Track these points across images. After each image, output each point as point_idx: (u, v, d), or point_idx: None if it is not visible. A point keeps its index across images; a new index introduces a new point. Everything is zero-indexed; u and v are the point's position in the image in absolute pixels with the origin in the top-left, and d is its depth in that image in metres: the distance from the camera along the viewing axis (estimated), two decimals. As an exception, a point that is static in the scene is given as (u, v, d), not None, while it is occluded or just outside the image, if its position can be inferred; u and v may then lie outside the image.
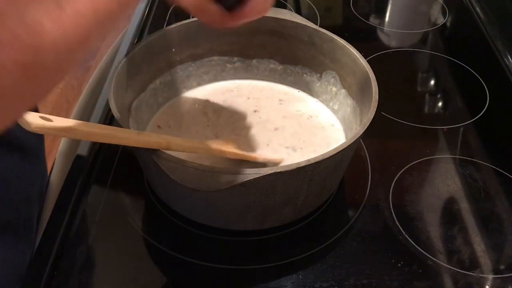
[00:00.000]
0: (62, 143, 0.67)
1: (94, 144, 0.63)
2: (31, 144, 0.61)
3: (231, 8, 0.44)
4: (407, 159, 0.63)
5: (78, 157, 0.62)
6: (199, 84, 0.68)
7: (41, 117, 0.38)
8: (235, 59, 0.68)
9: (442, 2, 0.96)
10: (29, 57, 0.23)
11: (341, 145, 0.49)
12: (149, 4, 0.88)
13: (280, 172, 0.47)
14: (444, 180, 0.61)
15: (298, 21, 0.64)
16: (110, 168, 0.61)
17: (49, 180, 0.65)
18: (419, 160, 0.63)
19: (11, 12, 0.21)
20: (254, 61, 0.68)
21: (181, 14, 0.74)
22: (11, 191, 0.56)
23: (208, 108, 0.65)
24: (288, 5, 0.91)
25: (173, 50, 0.64)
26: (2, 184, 0.55)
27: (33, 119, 0.37)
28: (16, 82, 0.23)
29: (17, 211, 0.57)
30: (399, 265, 0.52)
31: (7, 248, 0.53)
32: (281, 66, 0.68)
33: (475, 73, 0.78)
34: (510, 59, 0.79)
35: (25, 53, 0.22)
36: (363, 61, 0.58)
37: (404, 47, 0.86)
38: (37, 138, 0.63)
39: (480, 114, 0.71)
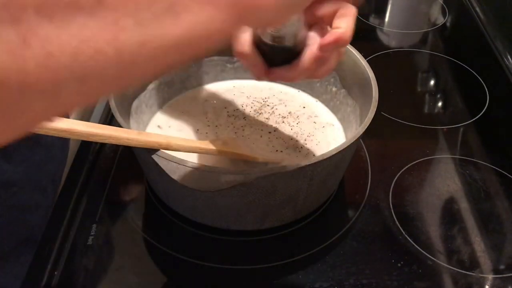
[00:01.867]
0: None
1: (94, 144, 0.63)
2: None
3: (272, 65, 0.43)
4: (407, 159, 0.63)
5: (78, 157, 0.62)
6: (199, 84, 0.68)
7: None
8: (235, 59, 0.68)
9: (442, 2, 0.96)
10: (22, 77, 0.21)
11: (341, 145, 0.49)
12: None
13: (280, 172, 0.47)
14: (444, 180, 0.61)
15: (298, 21, 0.63)
16: (110, 168, 0.61)
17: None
18: (419, 160, 0.63)
19: None
20: (254, 61, 0.68)
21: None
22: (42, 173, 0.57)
23: (208, 108, 0.65)
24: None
25: (173, 50, 0.64)
26: (34, 168, 0.56)
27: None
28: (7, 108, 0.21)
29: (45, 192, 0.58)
30: (399, 265, 0.52)
31: None
32: (281, 66, 0.68)
33: (475, 73, 0.78)
34: (510, 59, 0.79)
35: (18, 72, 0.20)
36: (363, 61, 0.58)
37: (404, 47, 0.86)
38: None
39: (480, 114, 0.71)
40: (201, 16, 0.25)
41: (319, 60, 0.41)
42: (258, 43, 0.42)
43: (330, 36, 0.39)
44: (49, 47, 0.21)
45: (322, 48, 0.40)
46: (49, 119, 0.24)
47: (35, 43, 0.20)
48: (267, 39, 0.41)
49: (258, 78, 0.44)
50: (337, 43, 0.39)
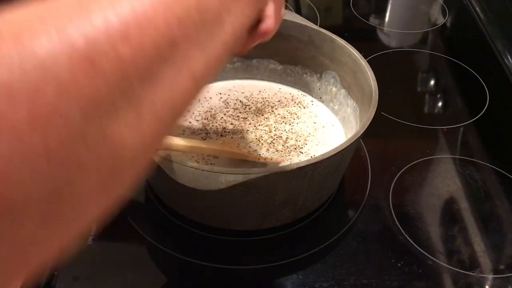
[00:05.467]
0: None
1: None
2: None
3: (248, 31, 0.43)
4: (407, 159, 0.63)
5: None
6: (199, 84, 0.68)
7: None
8: (235, 59, 0.68)
9: (442, 2, 0.96)
10: (109, 168, 0.21)
11: (341, 145, 0.49)
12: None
13: (280, 172, 0.47)
14: (444, 180, 0.61)
15: (298, 21, 0.64)
16: (110, 168, 0.61)
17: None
18: (419, 160, 0.63)
19: (92, 130, 0.19)
20: (254, 61, 0.68)
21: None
22: None
23: (208, 108, 0.65)
24: (288, 5, 0.91)
25: (173, 50, 0.64)
26: None
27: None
28: (96, 194, 0.21)
29: None
30: (399, 265, 0.52)
31: None
32: (281, 66, 0.68)
33: (475, 73, 0.78)
34: (510, 59, 0.79)
35: (105, 166, 0.21)
36: (363, 61, 0.58)
37: (404, 47, 0.86)
38: None
39: (480, 114, 0.71)
40: (238, 14, 0.26)
41: (279, 8, 0.41)
42: None
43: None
44: (157, 112, 0.22)
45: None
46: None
47: (145, 112, 0.21)
48: None
49: (245, 48, 0.44)
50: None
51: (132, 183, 0.23)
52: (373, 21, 0.91)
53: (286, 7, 0.91)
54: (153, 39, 0.21)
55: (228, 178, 0.46)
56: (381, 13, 0.94)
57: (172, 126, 0.24)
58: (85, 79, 0.19)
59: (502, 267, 0.53)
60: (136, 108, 0.21)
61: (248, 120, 0.63)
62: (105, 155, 0.20)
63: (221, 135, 0.61)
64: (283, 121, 0.63)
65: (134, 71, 0.21)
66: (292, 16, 0.64)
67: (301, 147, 0.60)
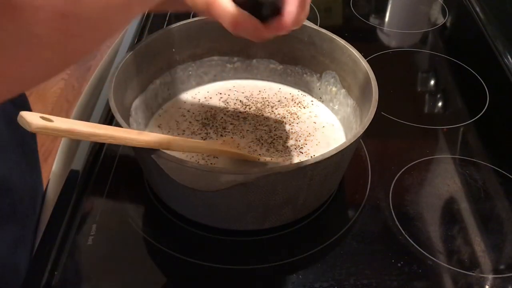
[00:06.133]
0: (62, 143, 0.67)
1: (94, 144, 0.63)
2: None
3: (266, 20, 0.43)
4: (407, 159, 0.63)
5: (79, 157, 0.62)
6: (199, 84, 0.68)
7: (42, 117, 0.38)
8: (235, 59, 0.68)
9: (442, 2, 0.96)
10: (69, 6, 0.22)
11: (341, 145, 0.49)
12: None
13: (280, 172, 0.47)
14: (444, 180, 0.61)
15: (298, 21, 0.63)
16: (110, 168, 0.61)
17: (49, 180, 0.65)
18: (419, 160, 0.63)
19: None
20: (254, 61, 0.68)
21: (181, 14, 0.74)
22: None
23: (208, 108, 0.65)
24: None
25: (173, 50, 0.64)
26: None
27: (34, 120, 0.37)
28: (53, 32, 0.23)
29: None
30: (399, 265, 0.52)
31: None
32: (281, 66, 0.68)
33: (475, 73, 0.78)
34: (510, 59, 0.79)
35: (65, 1, 0.22)
36: (363, 61, 0.58)
37: (404, 47, 0.86)
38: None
39: (480, 114, 0.71)
40: None
41: (299, 3, 0.42)
42: (243, 6, 0.42)
43: None
44: None
45: None
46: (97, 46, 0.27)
47: None
48: None
49: (261, 38, 0.44)
50: None
51: (89, 46, 0.25)
52: (373, 21, 0.91)
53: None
54: None
55: (228, 178, 0.46)
56: (381, 13, 0.94)
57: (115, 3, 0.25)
58: None
59: (502, 267, 0.53)
60: None
61: (248, 120, 0.63)
62: None
63: (221, 135, 0.61)
64: (283, 121, 0.63)
65: None
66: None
67: (301, 147, 0.60)
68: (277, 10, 0.43)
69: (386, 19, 0.93)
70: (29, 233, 0.59)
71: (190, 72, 0.67)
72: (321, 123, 0.64)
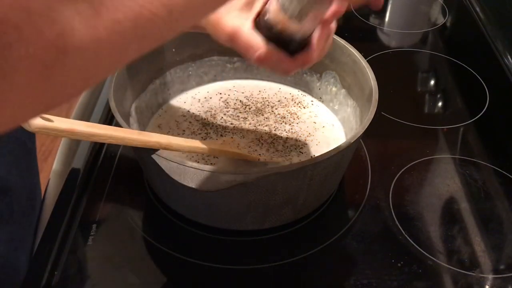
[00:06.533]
0: (62, 143, 0.67)
1: (94, 144, 0.63)
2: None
3: (294, 53, 0.43)
4: (407, 159, 0.63)
5: (79, 157, 0.62)
6: (199, 84, 0.68)
7: (42, 118, 0.38)
8: (235, 59, 0.68)
9: (442, 2, 0.96)
10: (51, 56, 0.21)
11: (341, 145, 0.49)
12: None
13: (280, 172, 0.47)
14: (444, 180, 0.61)
15: (298, 21, 0.63)
16: (110, 168, 0.61)
17: (49, 180, 0.65)
18: (419, 160, 0.63)
19: (40, 8, 0.20)
20: (254, 61, 0.68)
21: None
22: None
23: (208, 108, 0.65)
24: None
25: (173, 50, 0.64)
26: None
27: (34, 119, 0.37)
28: (33, 80, 0.21)
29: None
30: (399, 265, 0.52)
31: None
32: (281, 66, 0.68)
33: (475, 73, 0.78)
34: (510, 59, 0.79)
35: (47, 51, 0.21)
36: (363, 61, 0.58)
37: (404, 47, 0.86)
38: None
39: (480, 114, 0.71)
40: None
41: (326, 37, 0.44)
42: (269, 38, 0.42)
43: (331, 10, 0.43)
44: (117, 15, 0.23)
45: (329, 20, 0.43)
46: (111, 73, 0.27)
47: (104, 13, 0.22)
48: (287, 31, 0.41)
49: (287, 71, 0.44)
50: (337, 14, 0.44)
51: (77, 84, 0.24)
52: (373, 21, 0.91)
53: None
54: None
55: (228, 178, 0.46)
56: (381, 13, 0.94)
57: (133, 42, 0.25)
58: None
59: (502, 267, 0.53)
60: (95, 5, 0.22)
61: (248, 120, 0.63)
62: (48, 34, 0.21)
63: (221, 135, 0.61)
64: (283, 121, 0.63)
65: None
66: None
67: (301, 147, 0.60)
68: (305, 45, 0.43)
69: (386, 19, 0.93)
70: (28, 233, 0.59)
71: (190, 72, 0.67)
72: (321, 123, 0.64)
